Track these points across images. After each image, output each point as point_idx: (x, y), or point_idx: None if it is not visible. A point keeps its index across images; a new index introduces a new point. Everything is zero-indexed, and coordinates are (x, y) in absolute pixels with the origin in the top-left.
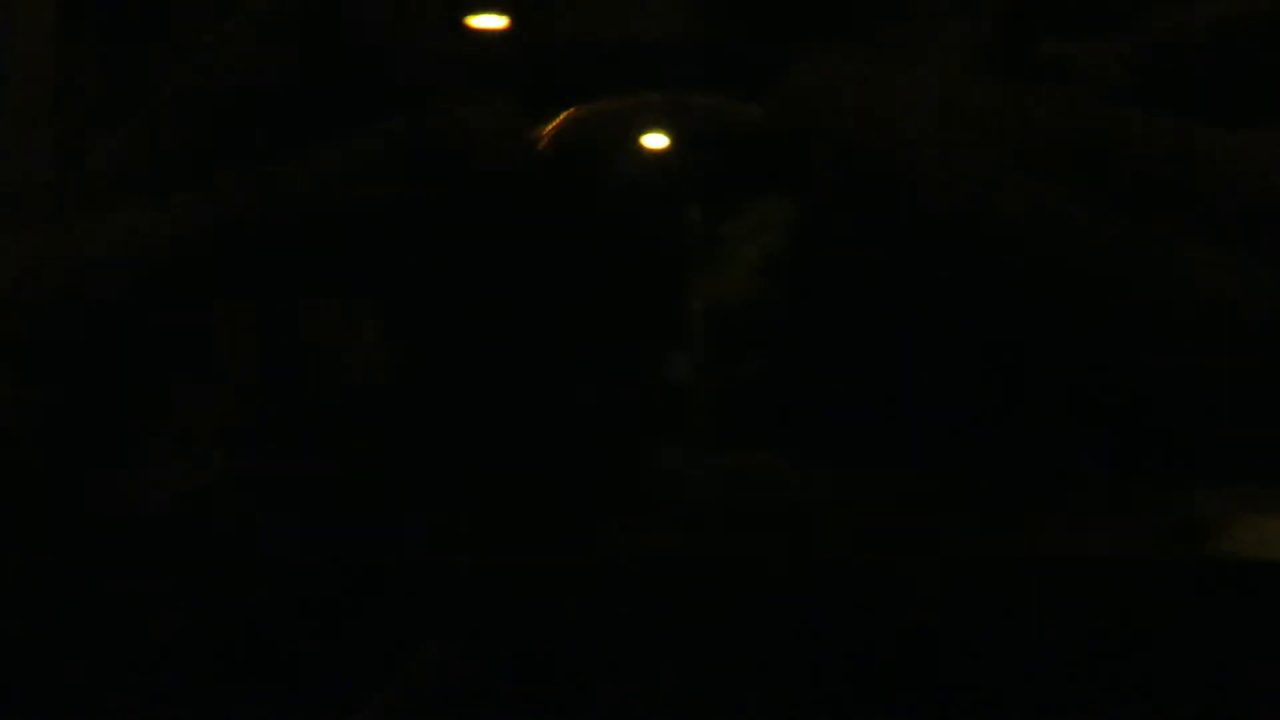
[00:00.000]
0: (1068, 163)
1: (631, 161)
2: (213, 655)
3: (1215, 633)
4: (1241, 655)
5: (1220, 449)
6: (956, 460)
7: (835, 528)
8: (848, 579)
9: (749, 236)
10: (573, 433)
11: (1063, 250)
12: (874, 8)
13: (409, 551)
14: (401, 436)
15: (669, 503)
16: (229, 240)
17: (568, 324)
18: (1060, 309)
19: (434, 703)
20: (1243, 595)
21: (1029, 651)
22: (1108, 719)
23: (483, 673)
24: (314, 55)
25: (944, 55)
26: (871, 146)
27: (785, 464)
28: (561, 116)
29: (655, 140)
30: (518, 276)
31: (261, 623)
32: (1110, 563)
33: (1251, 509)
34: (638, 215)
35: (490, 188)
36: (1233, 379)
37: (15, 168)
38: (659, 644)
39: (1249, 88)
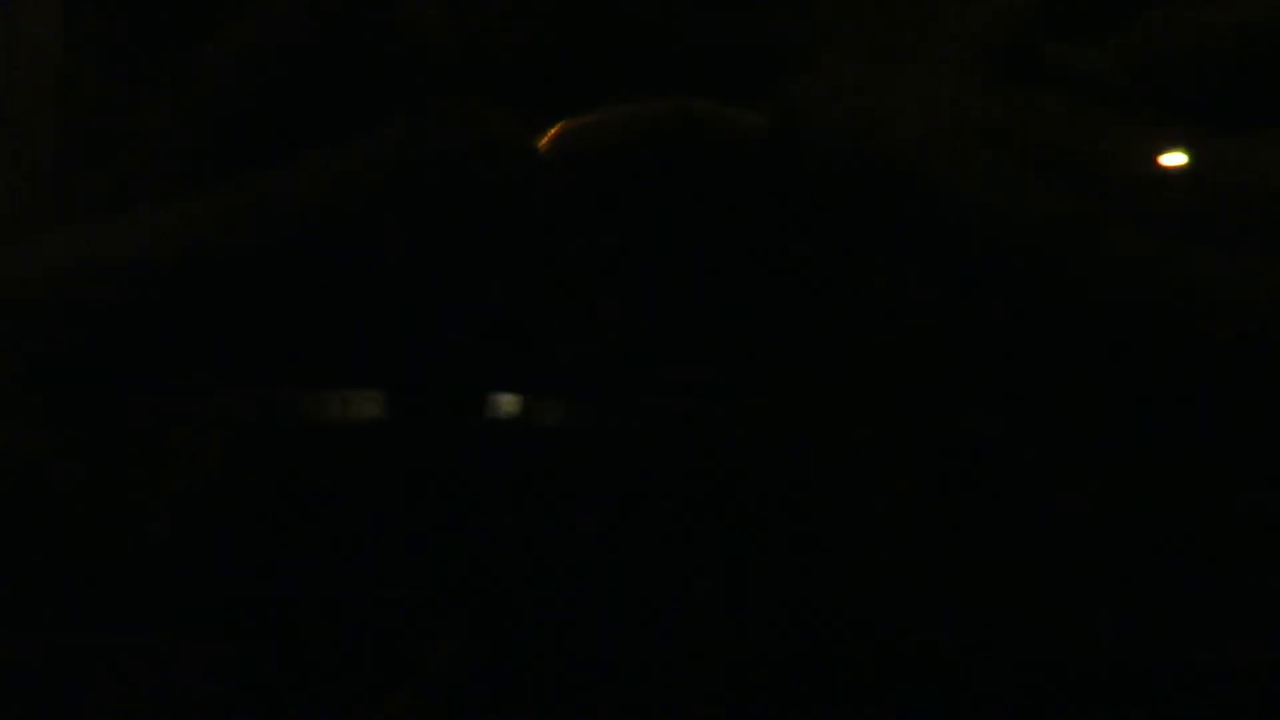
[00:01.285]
0: (1066, 165)
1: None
2: (219, 655)
3: None
4: None
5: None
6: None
7: None
8: None
9: None
10: None
11: (1062, 249)
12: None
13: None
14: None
15: None
16: (229, 247)
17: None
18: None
19: (443, 702)
20: None
21: None
22: None
23: (492, 673)
24: (316, 60)
25: (945, 58)
26: (873, 149)
27: None
28: (561, 124)
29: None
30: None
31: (271, 622)
32: None
33: None
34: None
35: (492, 194)
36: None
37: (19, 170)
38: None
39: (1249, 92)
